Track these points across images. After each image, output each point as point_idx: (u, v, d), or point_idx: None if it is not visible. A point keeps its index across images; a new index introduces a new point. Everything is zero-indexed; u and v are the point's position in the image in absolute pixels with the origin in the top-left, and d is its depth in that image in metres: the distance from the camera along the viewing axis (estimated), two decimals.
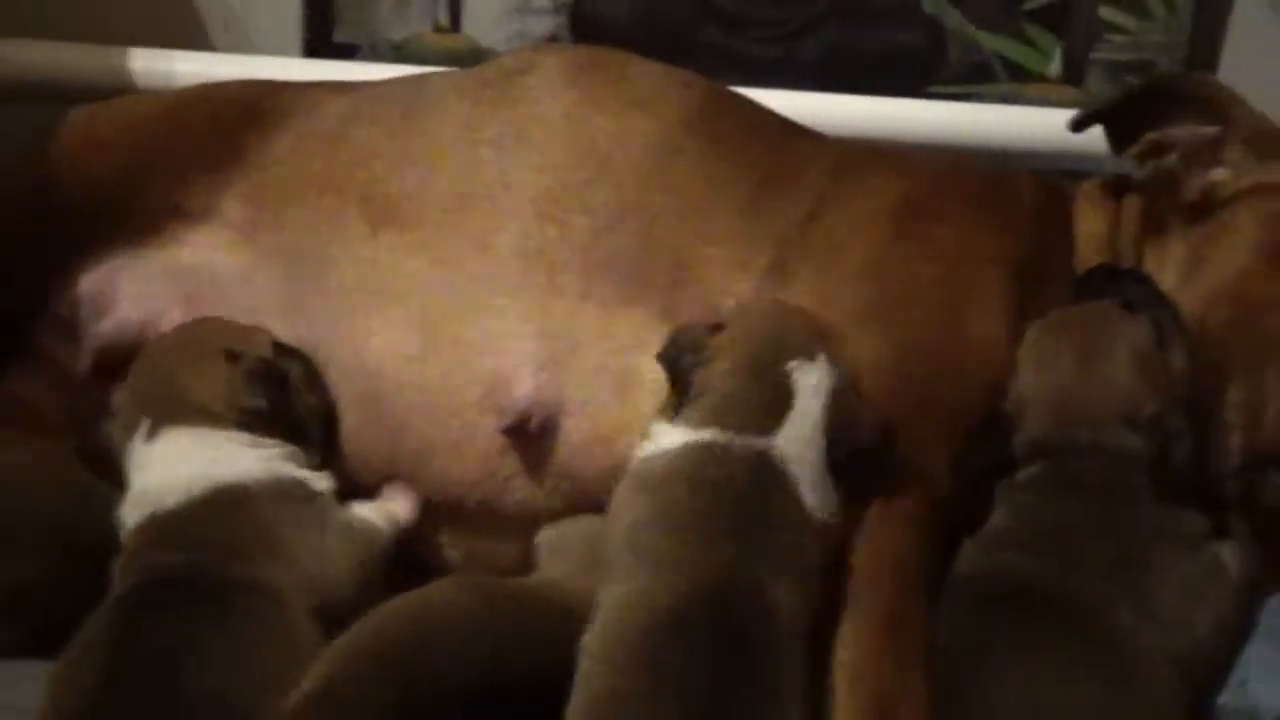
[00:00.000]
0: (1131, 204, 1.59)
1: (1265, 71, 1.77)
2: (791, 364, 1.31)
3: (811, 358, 1.32)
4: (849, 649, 1.26)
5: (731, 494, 1.25)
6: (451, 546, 1.54)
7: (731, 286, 1.51)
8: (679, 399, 1.33)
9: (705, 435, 1.28)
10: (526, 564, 1.48)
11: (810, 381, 1.31)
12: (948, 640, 1.28)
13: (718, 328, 1.36)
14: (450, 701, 1.19)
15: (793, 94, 1.90)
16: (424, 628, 1.25)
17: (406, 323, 1.53)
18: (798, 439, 1.29)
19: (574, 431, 1.48)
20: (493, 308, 1.52)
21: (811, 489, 1.28)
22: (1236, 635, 1.32)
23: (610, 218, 1.54)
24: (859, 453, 1.33)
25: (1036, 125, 2.00)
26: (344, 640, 1.24)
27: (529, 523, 1.50)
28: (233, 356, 1.44)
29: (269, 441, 1.41)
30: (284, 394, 1.45)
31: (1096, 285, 1.47)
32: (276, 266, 1.59)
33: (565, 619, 1.25)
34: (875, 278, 1.49)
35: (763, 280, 1.51)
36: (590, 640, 1.20)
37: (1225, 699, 1.31)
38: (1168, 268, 1.52)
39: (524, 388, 1.49)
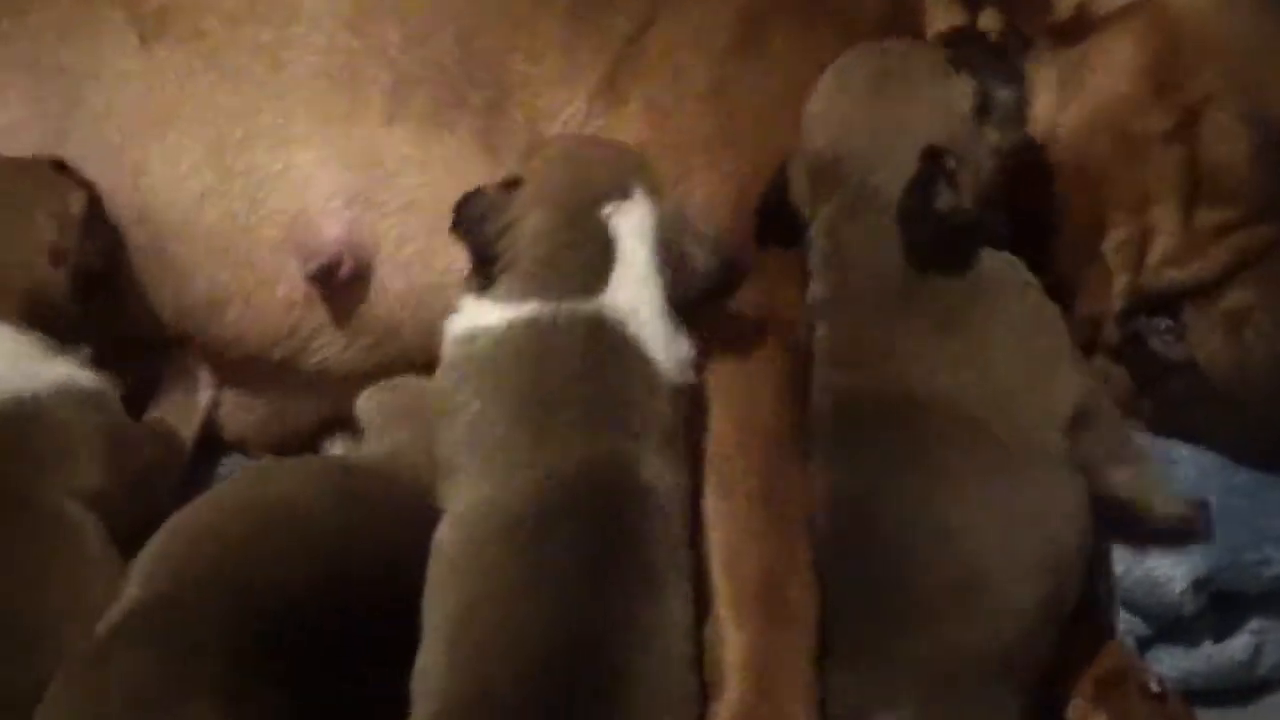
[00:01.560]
0: (990, 16, 1.45)
1: None
2: (606, 208, 1.15)
3: (627, 195, 1.16)
4: (725, 528, 1.15)
5: (572, 369, 1.11)
6: (248, 410, 1.37)
7: (557, 108, 1.34)
8: (486, 271, 1.16)
9: (526, 310, 1.13)
10: (330, 427, 1.35)
11: (631, 223, 1.15)
12: (830, 473, 1.17)
13: (513, 184, 1.18)
14: (292, 606, 1.04)
15: None
16: (260, 523, 1.10)
17: (191, 152, 1.32)
18: (631, 292, 1.14)
19: (389, 279, 1.31)
20: (292, 134, 1.32)
21: (659, 346, 1.14)
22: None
23: (423, 27, 1.34)
24: (706, 290, 1.18)
25: None
26: (164, 543, 1.09)
27: (336, 384, 1.33)
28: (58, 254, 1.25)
29: (57, 344, 1.22)
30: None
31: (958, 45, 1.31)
32: (23, 84, 1.34)
33: (412, 500, 1.12)
34: (715, 99, 1.34)
35: (592, 101, 1.34)
36: (446, 543, 1.08)
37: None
38: (1036, 92, 1.39)
39: (333, 228, 1.30)
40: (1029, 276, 1.22)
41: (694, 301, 1.17)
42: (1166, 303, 1.30)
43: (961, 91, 1.24)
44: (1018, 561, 1.10)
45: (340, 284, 1.29)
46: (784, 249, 1.25)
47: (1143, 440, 1.29)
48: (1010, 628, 1.09)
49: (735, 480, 1.17)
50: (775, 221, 1.26)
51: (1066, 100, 1.36)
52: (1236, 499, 1.27)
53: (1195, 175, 1.29)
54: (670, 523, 1.09)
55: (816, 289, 1.22)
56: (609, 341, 1.12)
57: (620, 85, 1.34)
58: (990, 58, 1.30)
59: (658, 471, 1.09)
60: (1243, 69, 1.31)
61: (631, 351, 1.13)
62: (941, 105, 1.23)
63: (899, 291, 1.19)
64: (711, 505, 1.16)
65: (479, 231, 1.16)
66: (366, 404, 1.27)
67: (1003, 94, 1.27)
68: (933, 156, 1.18)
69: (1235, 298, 1.27)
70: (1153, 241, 1.30)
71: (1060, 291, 1.28)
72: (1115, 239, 1.31)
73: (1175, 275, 1.29)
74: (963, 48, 1.30)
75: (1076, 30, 1.39)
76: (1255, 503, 1.27)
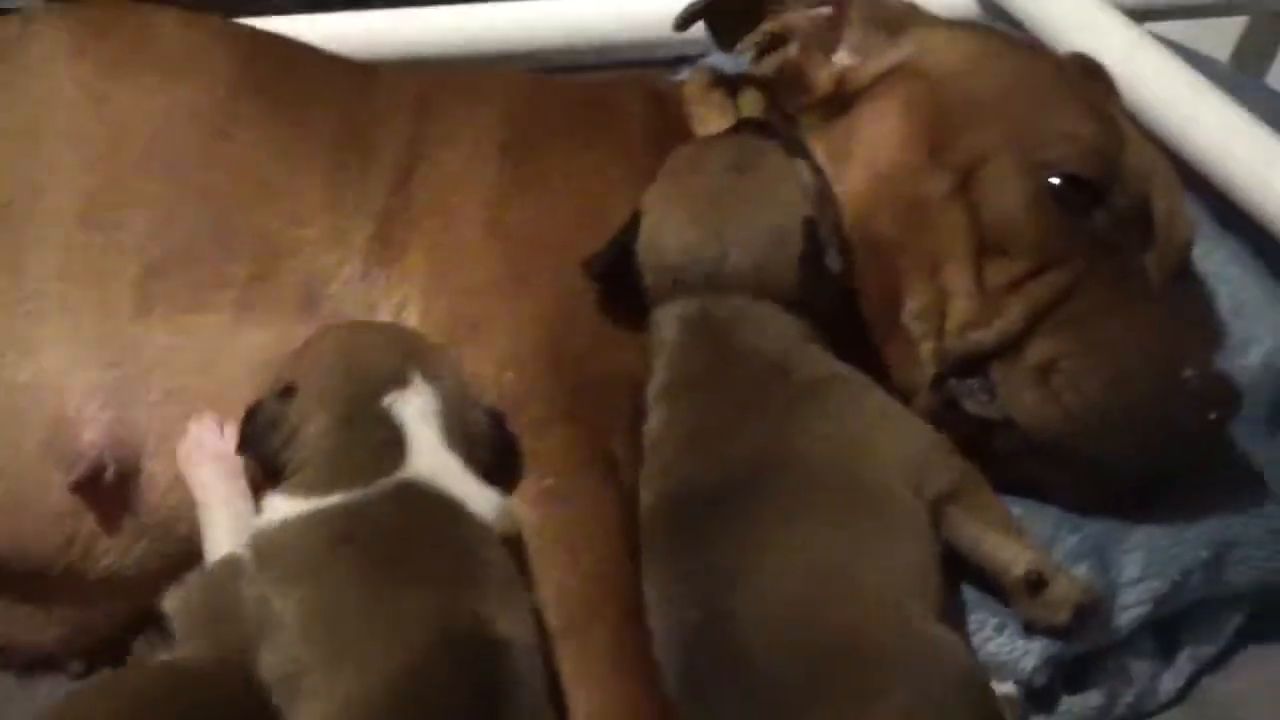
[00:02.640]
0: (750, 100, 1.43)
1: None
2: (386, 399, 1.13)
3: (405, 382, 1.14)
4: (587, 689, 1.10)
5: (401, 539, 1.07)
6: (50, 624, 1.27)
7: (332, 268, 1.28)
8: (278, 476, 1.13)
9: (332, 499, 1.08)
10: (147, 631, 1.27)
11: (414, 410, 1.13)
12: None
13: (289, 390, 1.14)
14: None
15: (325, 16, 1.65)
16: None
17: None
18: (431, 460, 1.12)
19: (160, 473, 1.23)
20: (40, 340, 1.23)
21: (475, 499, 1.11)
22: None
23: (170, 211, 1.27)
24: (495, 459, 1.17)
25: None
26: None
27: (133, 587, 1.24)
28: None
29: None
30: None
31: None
32: None
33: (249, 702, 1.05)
34: (498, 236, 1.29)
35: (368, 257, 1.28)
36: None
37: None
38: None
39: (92, 432, 1.22)
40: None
41: (488, 470, 1.14)
42: (974, 364, 1.27)
43: (804, 172, 1.26)
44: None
45: (108, 488, 1.21)
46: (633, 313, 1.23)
47: None
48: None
49: (595, 646, 1.12)
50: (617, 284, 1.24)
51: (840, 176, 1.33)
52: (1082, 560, 1.24)
53: (980, 233, 1.27)
54: (533, 680, 1.04)
55: (663, 376, 1.20)
56: (427, 504, 1.09)
57: (396, 237, 1.29)
58: (795, 143, 1.32)
59: (511, 626, 1.04)
60: (1010, 119, 1.30)
61: (451, 509, 1.09)
62: (796, 185, 1.25)
63: (763, 369, 1.18)
64: (569, 668, 1.11)
65: (264, 447, 1.14)
66: (174, 606, 1.19)
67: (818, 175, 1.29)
68: (811, 226, 1.21)
69: (1038, 350, 1.24)
70: (950, 305, 1.27)
71: (869, 371, 1.25)
72: (913, 308, 1.28)
73: (977, 336, 1.26)
74: (776, 135, 1.31)
75: (838, 105, 1.37)
76: (1100, 560, 1.24)
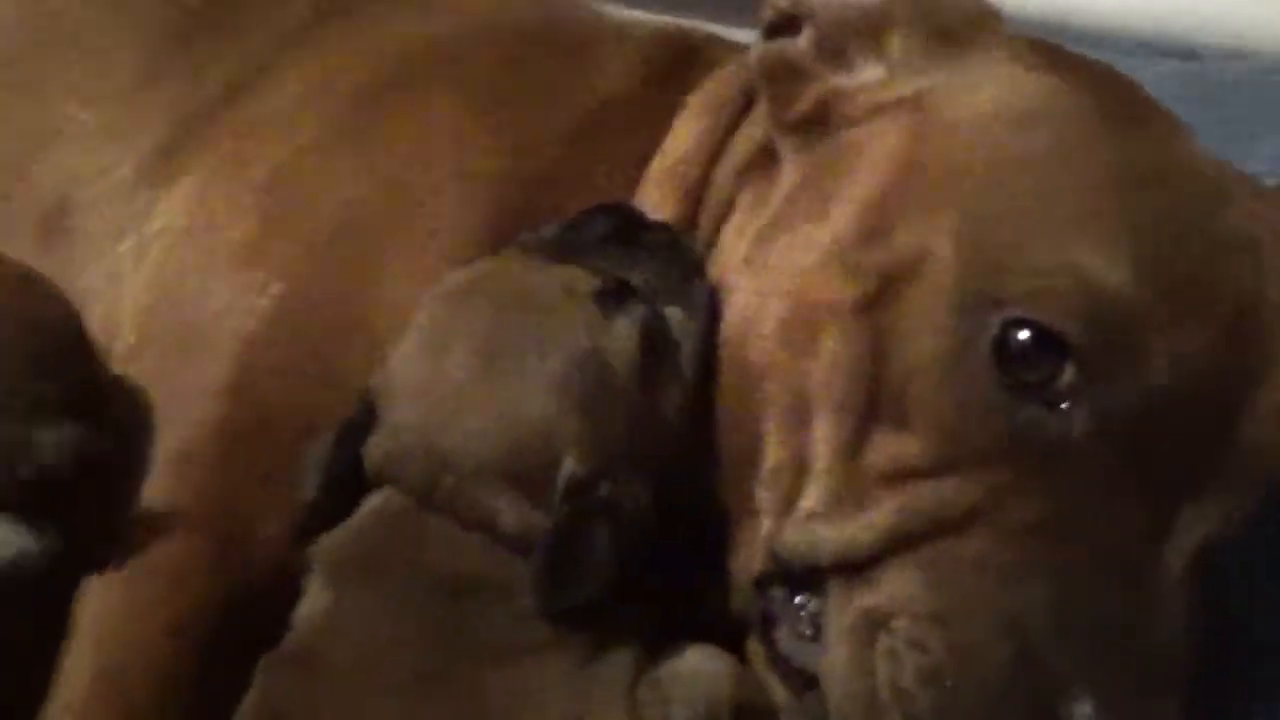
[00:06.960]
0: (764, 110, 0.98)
1: None
2: None
3: None
4: None
5: None
6: None
7: (98, 172, 1.00)
8: None
9: None
10: None
11: None
12: None
13: None
14: None
15: None
16: None
17: None
18: None
19: None
20: None
21: None
22: None
23: None
24: None
25: None
26: None
27: None
28: None
29: None
30: None
31: (586, 240, 0.88)
32: None
33: None
34: (278, 189, 0.96)
35: (141, 170, 1.00)
36: None
37: None
38: (758, 224, 0.93)
39: None
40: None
41: None
42: (809, 574, 0.81)
43: (619, 348, 0.83)
44: None
45: None
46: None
47: None
48: None
49: None
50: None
51: (767, 242, 0.89)
52: None
53: (877, 377, 0.80)
54: None
55: (331, 544, 0.84)
56: None
57: (177, 157, 1.00)
58: (664, 272, 0.88)
59: None
60: (979, 216, 0.81)
61: None
62: (583, 386, 0.81)
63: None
64: None
65: None
66: None
67: (676, 315, 0.87)
68: (578, 492, 0.79)
69: (883, 590, 0.78)
70: (805, 476, 0.82)
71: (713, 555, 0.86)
72: (769, 464, 0.84)
73: (823, 532, 0.80)
74: (628, 252, 0.88)
75: (815, 129, 0.92)
76: None
